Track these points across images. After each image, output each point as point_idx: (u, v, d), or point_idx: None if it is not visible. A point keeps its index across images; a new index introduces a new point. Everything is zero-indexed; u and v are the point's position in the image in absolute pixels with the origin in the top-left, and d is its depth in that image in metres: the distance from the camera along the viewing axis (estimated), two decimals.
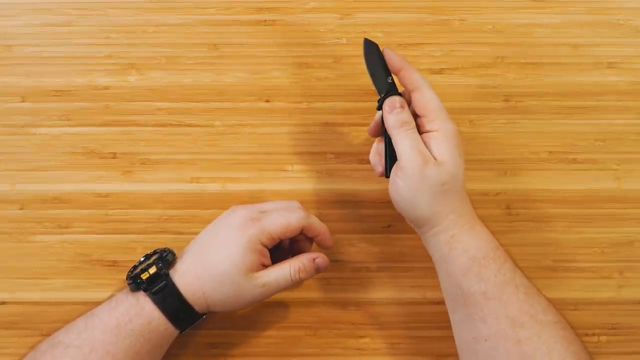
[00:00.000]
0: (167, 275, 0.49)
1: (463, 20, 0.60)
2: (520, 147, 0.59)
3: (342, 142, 0.59)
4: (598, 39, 0.60)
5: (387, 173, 0.51)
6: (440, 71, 0.59)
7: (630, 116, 0.59)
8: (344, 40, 0.60)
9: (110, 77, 0.59)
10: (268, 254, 0.50)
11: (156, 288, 0.48)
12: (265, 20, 0.60)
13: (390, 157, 0.50)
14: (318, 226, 0.52)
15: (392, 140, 0.49)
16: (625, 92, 0.59)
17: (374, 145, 0.53)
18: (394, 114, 0.49)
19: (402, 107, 0.49)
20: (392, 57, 0.50)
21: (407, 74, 0.49)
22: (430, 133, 0.48)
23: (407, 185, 0.47)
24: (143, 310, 0.48)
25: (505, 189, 0.58)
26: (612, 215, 0.58)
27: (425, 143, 0.48)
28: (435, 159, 0.47)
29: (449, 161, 0.47)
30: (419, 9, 0.60)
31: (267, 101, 0.59)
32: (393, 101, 0.49)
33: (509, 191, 0.58)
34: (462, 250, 0.47)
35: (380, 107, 0.50)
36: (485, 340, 0.45)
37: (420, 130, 0.49)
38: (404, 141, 0.48)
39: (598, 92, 0.59)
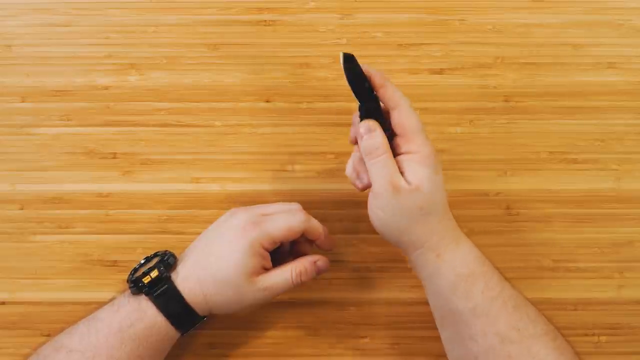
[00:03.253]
0: (169, 278, 0.49)
1: (463, 20, 0.60)
2: (520, 147, 0.59)
3: (342, 142, 0.59)
4: (598, 39, 0.60)
5: None
6: (440, 71, 0.59)
7: (630, 116, 0.59)
8: (344, 40, 0.60)
9: (110, 77, 0.59)
10: (269, 257, 0.50)
11: (158, 292, 0.48)
12: (265, 20, 0.60)
13: None
14: (318, 229, 0.52)
15: (366, 168, 0.48)
16: (625, 92, 0.59)
17: (351, 159, 0.51)
18: (364, 140, 0.47)
19: (372, 131, 0.47)
20: (373, 74, 0.48)
21: (388, 92, 0.47)
22: (408, 155, 0.47)
23: (385, 213, 0.47)
24: (145, 314, 0.48)
25: (505, 189, 0.58)
26: (612, 215, 0.58)
27: (400, 166, 0.47)
28: (409, 184, 0.46)
29: (425, 185, 0.46)
30: (419, 9, 0.60)
31: (267, 101, 0.59)
32: (363, 126, 0.47)
33: (509, 191, 0.58)
34: (448, 268, 0.47)
35: (361, 116, 0.48)
36: (475, 357, 0.45)
37: (397, 151, 0.48)
38: (373, 169, 0.47)
39: (598, 92, 0.59)
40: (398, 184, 0.46)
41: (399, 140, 0.48)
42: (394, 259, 0.57)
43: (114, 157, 0.58)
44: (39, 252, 0.57)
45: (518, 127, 0.59)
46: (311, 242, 0.53)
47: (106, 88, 0.59)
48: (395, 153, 0.48)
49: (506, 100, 0.59)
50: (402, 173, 0.47)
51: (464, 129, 0.59)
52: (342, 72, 0.59)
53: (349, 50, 0.59)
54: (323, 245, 0.53)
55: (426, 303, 0.56)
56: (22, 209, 0.58)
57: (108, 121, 0.59)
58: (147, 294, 0.49)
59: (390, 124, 0.48)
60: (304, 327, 0.57)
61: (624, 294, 0.57)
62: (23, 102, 0.59)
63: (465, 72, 0.59)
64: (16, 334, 0.56)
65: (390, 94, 0.47)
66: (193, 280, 0.49)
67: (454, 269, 0.47)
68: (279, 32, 0.60)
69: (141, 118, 0.59)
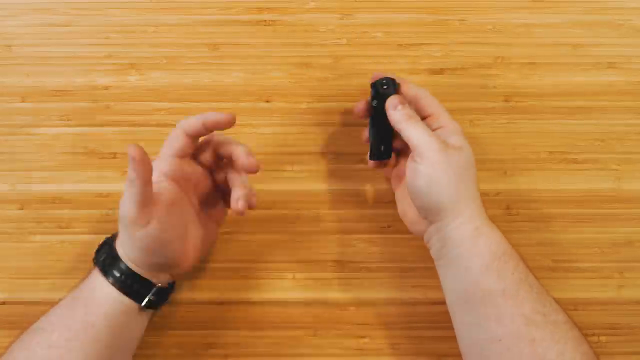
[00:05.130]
0: (112, 241, 0.49)
1: (463, 20, 0.60)
2: (520, 147, 0.59)
3: (342, 142, 0.59)
4: (598, 39, 0.60)
5: (371, 155, 0.53)
6: (440, 71, 0.59)
7: (630, 116, 0.59)
8: (344, 41, 0.60)
9: (110, 77, 0.59)
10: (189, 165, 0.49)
11: (102, 256, 0.48)
12: (265, 20, 0.60)
13: (376, 141, 0.52)
14: (230, 141, 0.49)
15: (403, 135, 0.49)
16: (625, 92, 0.59)
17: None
18: (399, 109, 0.49)
19: (404, 103, 0.50)
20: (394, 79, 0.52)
21: (410, 87, 0.52)
22: (440, 129, 0.50)
23: (429, 170, 0.47)
24: (89, 278, 0.48)
25: (505, 189, 0.58)
26: (612, 215, 0.58)
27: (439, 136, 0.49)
28: (455, 146, 0.48)
29: (466, 150, 0.49)
30: (419, 9, 0.60)
31: (267, 101, 0.59)
32: (394, 99, 0.50)
33: (509, 191, 0.58)
34: (484, 244, 0.47)
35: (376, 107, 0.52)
36: (500, 340, 0.45)
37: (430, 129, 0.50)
38: (417, 129, 0.48)
39: (598, 92, 0.59)
40: (445, 140, 0.48)
41: (428, 121, 0.51)
42: (394, 259, 0.57)
43: (114, 157, 0.58)
44: (39, 252, 0.57)
45: (518, 127, 0.59)
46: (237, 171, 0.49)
47: (106, 88, 0.59)
48: None
49: (506, 100, 0.59)
50: None
51: (464, 129, 0.58)
52: (343, 71, 0.59)
53: (348, 50, 0.60)
54: (242, 163, 0.48)
55: (427, 303, 0.57)
56: (22, 209, 0.58)
57: (108, 121, 0.59)
58: (94, 261, 0.49)
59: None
60: (304, 327, 0.57)
61: (624, 294, 0.57)
62: (23, 102, 0.59)
63: (465, 72, 0.59)
64: (16, 334, 0.56)
65: (411, 87, 0.52)
66: (122, 230, 0.47)
67: (489, 246, 0.47)
68: (279, 32, 0.60)
69: (141, 118, 0.59)
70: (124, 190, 0.45)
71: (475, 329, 0.47)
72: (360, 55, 0.60)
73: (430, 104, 0.51)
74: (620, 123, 0.59)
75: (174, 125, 0.58)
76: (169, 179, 0.48)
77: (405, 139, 0.49)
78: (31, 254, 0.57)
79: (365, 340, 0.57)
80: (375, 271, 0.57)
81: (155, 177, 0.47)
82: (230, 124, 0.48)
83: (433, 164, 0.47)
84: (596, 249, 0.58)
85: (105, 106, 0.59)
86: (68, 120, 0.59)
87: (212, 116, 0.48)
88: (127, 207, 0.45)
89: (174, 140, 0.49)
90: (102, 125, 0.59)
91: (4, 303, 0.57)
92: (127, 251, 0.47)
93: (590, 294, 0.57)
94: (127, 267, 0.47)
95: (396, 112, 0.49)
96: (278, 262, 0.57)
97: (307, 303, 0.57)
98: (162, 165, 0.48)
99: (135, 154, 0.44)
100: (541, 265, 0.57)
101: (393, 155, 0.54)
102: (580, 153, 0.59)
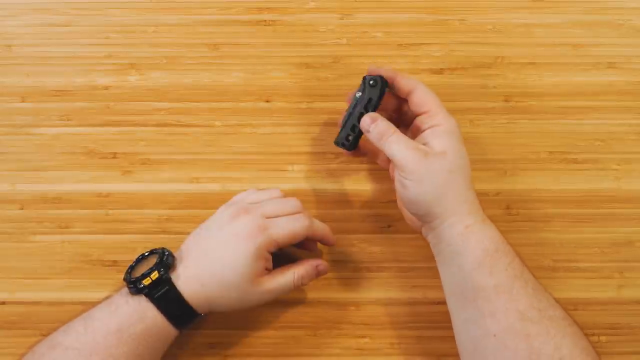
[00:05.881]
0: (170, 280, 0.49)
1: (463, 20, 0.60)
2: (520, 147, 0.59)
3: None
4: (598, 39, 0.60)
5: (336, 140, 0.54)
6: (440, 71, 0.59)
7: (630, 116, 0.59)
8: (344, 40, 0.60)
9: (110, 77, 0.59)
10: (271, 259, 0.51)
11: (159, 294, 0.48)
12: (265, 20, 0.60)
13: (344, 129, 0.53)
14: (320, 230, 0.53)
15: (385, 152, 0.50)
16: (625, 92, 0.59)
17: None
18: (372, 129, 0.50)
19: (376, 119, 0.51)
20: (384, 71, 0.52)
21: (403, 80, 0.52)
22: (433, 128, 0.50)
23: (413, 183, 0.48)
24: (146, 315, 0.48)
25: (505, 189, 0.58)
26: (612, 215, 0.58)
27: (425, 139, 0.50)
28: (437, 151, 0.48)
29: (451, 151, 0.49)
30: (419, 9, 0.60)
31: (267, 101, 0.59)
32: (365, 120, 0.51)
33: (509, 191, 0.58)
34: (476, 242, 0.47)
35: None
36: (494, 335, 0.45)
37: (422, 128, 0.51)
38: (395, 146, 0.49)
39: (598, 92, 0.59)
40: (424, 149, 0.49)
41: (421, 119, 0.51)
42: (394, 259, 0.57)
43: (114, 157, 0.58)
44: (39, 252, 0.57)
45: (518, 127, 0.59)
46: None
47: (106, 88, 0.59)
48: (420, 131, 0.51)
49: (506, 100, 0.59)
50: (426, 144, 0.49)
51: (464, 129, 0.58)
52: (343, 71, 0.59)
53: (348, 50, 0.60)
54: (326, 243, 0.55)
55: (427, 303, 0.57)
56: (22, 209, 0.58)
57: (108, 121, 0.59)
58: (147, 295, 0.48)
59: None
60: (304, 327, 0.57)
61: (624, 294, 0.57)
62: (23, 102, 0.59)
63: (465, 72, 0.59)
64: (16, 334, 0.56)
65: (405, 81, 0.52)
66: (195, 283, 0.49)
67: (481, 243, 0.47)
68: (279, 32, 0.60)
69: (141, 118, 0.59)
70: (282, 275, 0.51)
71: (470, 325, 0.47)
72: (360, 55, 0.60)
73: (426, 100, 0.51)
74: (620, 123, 0.59)
75: (174, 125, 0.59)
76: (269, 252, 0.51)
77: (389, 157, 0.50)
78: (31, 254, 0.57)
79: (365, 340, 0.57)
80: (375, 271, 0.57)
81: (266, 255, 0.51)
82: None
83: (415, 176, 0.48)
84: (596, 249, 0.58)
85: (105, 106, 0.59)
86: (68, 120, 0.59)
87: (331, 240, 0.55)
88: (283, 286, 0.51)
89: (297, 234, 0.51)
90: (102, 125, 0.59)
91: (4, 303, 0.57)
92: (214, 302, 0.50)
93: (590, 294, 0.57)
94: (190, 307, 0.49)
95: (371, 134, 0.50)
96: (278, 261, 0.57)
97: (307, 303, 0.57)
98: (271, 248, 0.51)
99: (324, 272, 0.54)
100: (541, 265, 0.57)
101: None
102: (580, 153, 0.59)
